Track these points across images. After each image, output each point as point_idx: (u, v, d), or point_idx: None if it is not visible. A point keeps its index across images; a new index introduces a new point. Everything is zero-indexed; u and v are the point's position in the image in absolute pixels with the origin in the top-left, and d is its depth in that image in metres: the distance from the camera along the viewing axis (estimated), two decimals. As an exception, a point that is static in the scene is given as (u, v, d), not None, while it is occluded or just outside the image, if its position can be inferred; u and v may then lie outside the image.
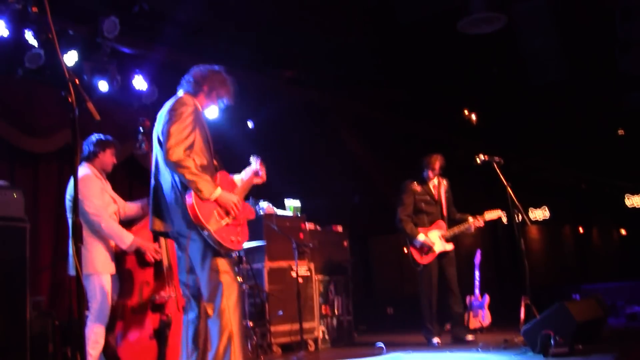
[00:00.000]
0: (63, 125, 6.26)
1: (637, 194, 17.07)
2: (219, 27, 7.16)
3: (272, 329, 6.29)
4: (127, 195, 5.70)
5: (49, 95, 6.30)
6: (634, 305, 8.83)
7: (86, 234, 4.26)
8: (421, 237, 6.42)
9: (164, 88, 6.84)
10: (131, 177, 7.09)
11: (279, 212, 6.85)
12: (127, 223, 4.72)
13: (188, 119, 3.50)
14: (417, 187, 6.64)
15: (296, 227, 6.91)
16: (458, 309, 6.52)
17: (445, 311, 6.59)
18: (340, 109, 9.79)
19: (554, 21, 7.27)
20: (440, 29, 7.29)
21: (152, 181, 3.67)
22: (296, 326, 6.20)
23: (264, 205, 6.69)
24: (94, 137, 4.71)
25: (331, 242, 7.45)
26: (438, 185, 6.69)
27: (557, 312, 4.90)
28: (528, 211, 6.35)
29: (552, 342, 4.68)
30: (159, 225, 3.60)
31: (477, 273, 7.68)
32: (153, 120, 3.76)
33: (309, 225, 7.13)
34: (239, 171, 4.13)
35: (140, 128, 4.81)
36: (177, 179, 3.48)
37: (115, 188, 4.88)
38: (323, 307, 7.05)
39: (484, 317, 7.34)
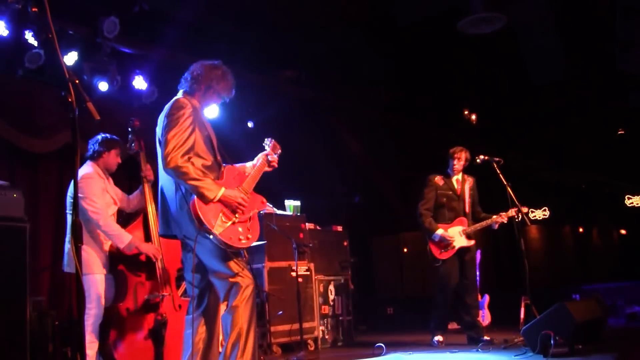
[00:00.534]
0: (63, 125, 6.27)
1: (637, 194, 17.06)
2: (219, 27, 7.17)
3: (272, 329, 6.29)
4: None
5: (49, 95, 6.30)
6: (634, 305, 8.82)
7: (83, 233, 4.25)
8: (440, 232, 6.17)
9: (163, 88, 6.85)
10: (131, 177, 7.08)
11: (279, 212, 6.85)
12: (124, 222, 4.72)
13: (185, 122, 3.47)
14: (440, 181, 6.39)
15: (296, 227, 6.90)
16: (474, 310, 6.30)
17: (453, 309, 6.47)
18: (340, 109, 9.79)
19: (554, 21, 7.28)
20: (440, 29, 7.30)
21: (159, 186, 3.66)
22: (296, 326, 6.18)
23: (264, 205, 6.68)
24: (100, 136, 4.71)
25: (331, 242, 7.43)
26: (462, 181, 6.42)
27: (557, 312, 4.89)
28: (528, 211, 6.27)
29: (552, 342, 4.66)
30: (167, 230, 3.59)
31: (477, 273, 7.66)
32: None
33: (309, 225, 7.12)
34: (238, 171, 4.11)
35: (130, 128, 4.86)
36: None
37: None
38: (323, 307, 7.05)
39: (484, 317, 7.32)
